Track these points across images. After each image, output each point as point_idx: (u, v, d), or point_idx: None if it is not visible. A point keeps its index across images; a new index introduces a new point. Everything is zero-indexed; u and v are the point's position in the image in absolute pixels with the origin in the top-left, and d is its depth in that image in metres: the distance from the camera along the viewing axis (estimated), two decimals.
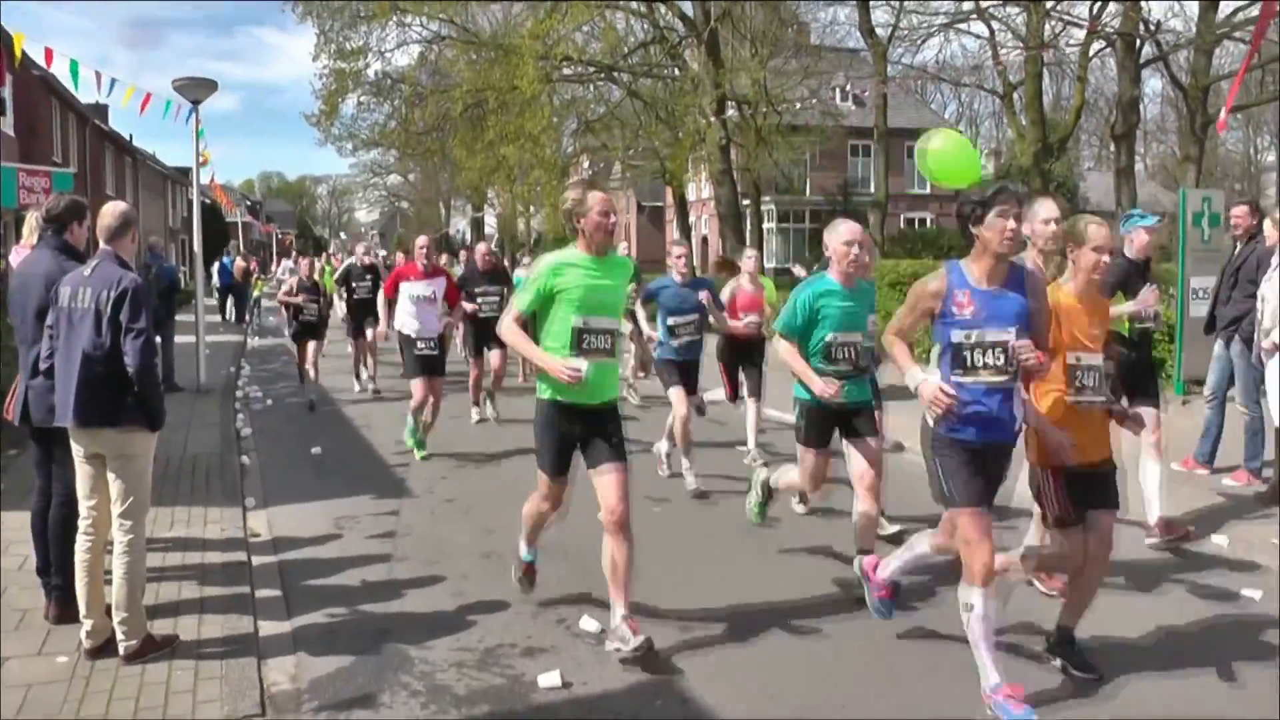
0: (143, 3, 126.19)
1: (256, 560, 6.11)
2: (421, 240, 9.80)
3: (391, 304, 9.52)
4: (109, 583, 4.55)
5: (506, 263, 19.20)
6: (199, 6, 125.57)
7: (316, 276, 13.98)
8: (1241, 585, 5.64)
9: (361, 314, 13.22)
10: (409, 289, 9.30)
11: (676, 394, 7.94)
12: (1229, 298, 8.00)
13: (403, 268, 9.73)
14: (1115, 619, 5.05)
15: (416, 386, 9.12)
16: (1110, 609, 5.09)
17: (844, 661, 4.67)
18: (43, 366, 4.67)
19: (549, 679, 4.38)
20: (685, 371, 8.09)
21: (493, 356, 11.02)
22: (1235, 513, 6.93)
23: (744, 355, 8.81)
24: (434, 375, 9.19)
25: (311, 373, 12.97)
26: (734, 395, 9.06)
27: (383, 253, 32.80)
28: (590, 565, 5.53)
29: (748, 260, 9.14)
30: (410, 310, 9.26)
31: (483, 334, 10.94)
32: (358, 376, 13.98)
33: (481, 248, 12.12)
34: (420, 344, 9.16)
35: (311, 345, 12.87)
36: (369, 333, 12.91)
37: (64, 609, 4.82)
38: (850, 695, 4.31)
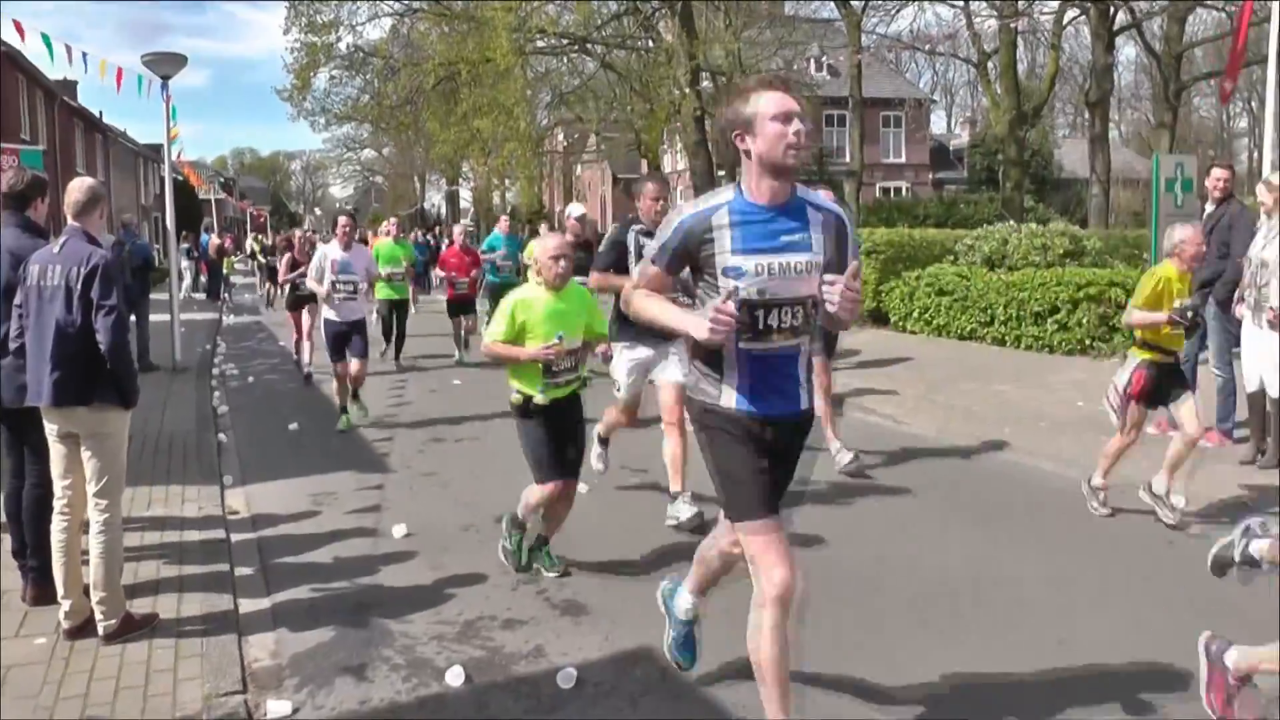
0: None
1: (235, 538, 6.10)
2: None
3: None
4: (86, 563, 4.53)
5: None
6: None
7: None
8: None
9: None
10: None
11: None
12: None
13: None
14: (1093, 578, 5.09)
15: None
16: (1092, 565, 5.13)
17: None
18: (12, 346, 4.60)
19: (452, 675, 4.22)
20: None
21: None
22: (1213, 473, 7.01)
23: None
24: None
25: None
26: None
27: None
28: (570, 535, 5.57)
29: None
30: None
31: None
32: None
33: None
34: None
35: None
36: None
37: (41, 590, 4.79)
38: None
